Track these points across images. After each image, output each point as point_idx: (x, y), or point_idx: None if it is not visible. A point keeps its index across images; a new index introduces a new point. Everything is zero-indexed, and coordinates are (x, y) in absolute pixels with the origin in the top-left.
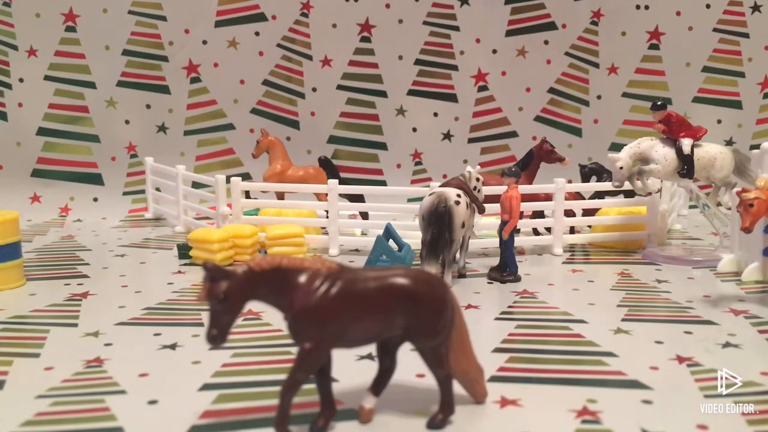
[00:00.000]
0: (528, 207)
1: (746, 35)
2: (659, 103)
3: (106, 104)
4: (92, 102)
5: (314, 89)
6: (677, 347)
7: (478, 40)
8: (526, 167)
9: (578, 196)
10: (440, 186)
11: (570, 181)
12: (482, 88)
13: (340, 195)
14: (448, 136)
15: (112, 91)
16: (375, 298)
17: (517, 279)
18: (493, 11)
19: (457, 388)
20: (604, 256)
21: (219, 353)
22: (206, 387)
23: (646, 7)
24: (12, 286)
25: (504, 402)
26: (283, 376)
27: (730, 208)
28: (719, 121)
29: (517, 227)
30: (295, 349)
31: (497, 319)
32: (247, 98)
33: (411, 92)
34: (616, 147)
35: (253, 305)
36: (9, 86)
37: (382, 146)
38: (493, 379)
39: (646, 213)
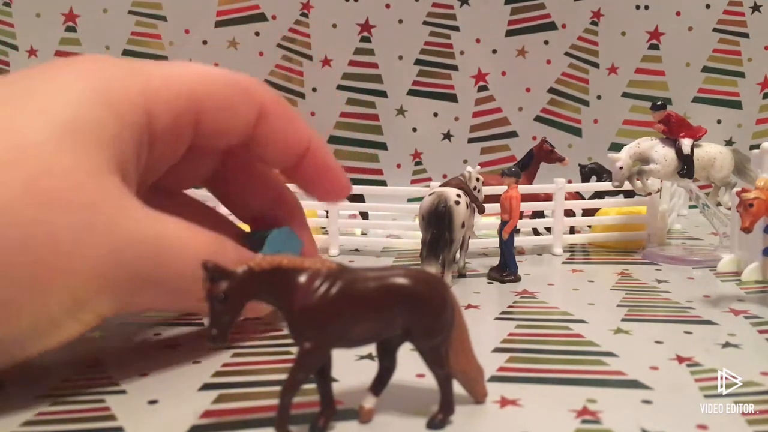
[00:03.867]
0: (528, 207)
1: (746, 35)
2: (659, 103)
3: None
4: None
5: (314, 89)
6: (677, 347)
7: (478, 40)
8: (526, 167)
9: (578, 196)
10: (440, 186)
11: (570, 181)
12: (482, 88)
13: None
14: (448, 136)
15: None
16: (375, 298)
17: (517, 279)
18: (492, 11)
19: (457, 388)
20: (604, 256)
21: (219, 353)
22: (206, 387)
23: (646, 7)
24: None
25: (504, 402)
26: (283, 376)
27: (730, 208)
28: (719, 121)
29: (517, 227)
30: (295, 349)
31: (497, 319)
32: None
33: (411, 92)
34: (616, 147)
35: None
36: None
37: (382, 146)
38: (493, 379)
39: (646, 213)
